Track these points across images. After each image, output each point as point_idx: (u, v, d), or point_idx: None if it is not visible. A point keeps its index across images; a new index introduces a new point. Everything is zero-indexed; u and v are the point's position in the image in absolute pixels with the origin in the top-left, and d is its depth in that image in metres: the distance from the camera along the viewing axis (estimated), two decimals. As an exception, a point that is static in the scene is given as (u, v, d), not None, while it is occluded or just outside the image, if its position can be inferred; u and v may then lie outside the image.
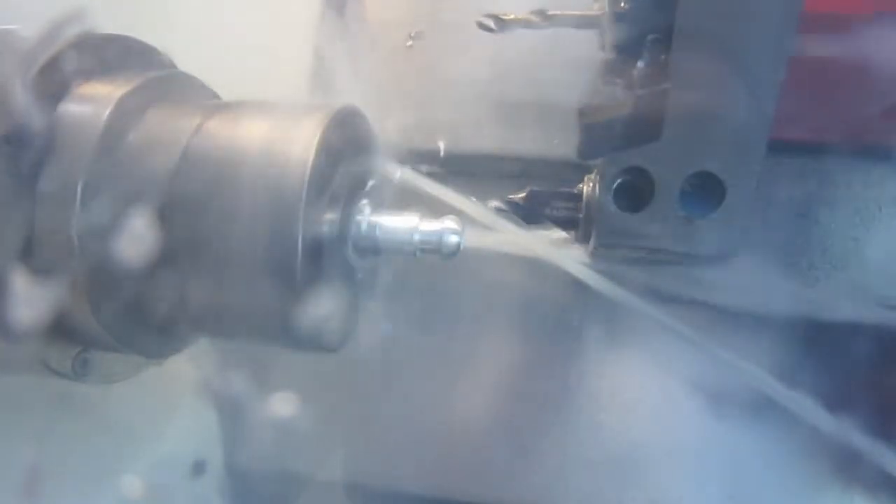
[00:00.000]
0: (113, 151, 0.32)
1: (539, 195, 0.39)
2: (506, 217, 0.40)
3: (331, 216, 0.34)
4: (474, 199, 0.41)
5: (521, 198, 0.40)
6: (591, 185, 0.37)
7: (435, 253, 0.35)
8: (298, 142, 0.32)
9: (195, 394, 0.49)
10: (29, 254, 0.31)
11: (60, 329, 0.33)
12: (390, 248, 0.36)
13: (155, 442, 0.47)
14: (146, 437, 0.46)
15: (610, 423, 0.50)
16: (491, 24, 0.39)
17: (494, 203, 0.40)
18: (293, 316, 0.32)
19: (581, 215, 0.39)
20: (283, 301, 0.32)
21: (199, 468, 0.51)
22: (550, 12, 0.39)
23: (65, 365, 0.35)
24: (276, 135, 0.33)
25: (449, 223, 0.35)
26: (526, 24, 0.40)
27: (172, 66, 0.39)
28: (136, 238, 0.32)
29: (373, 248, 0.37)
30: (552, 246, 0.40)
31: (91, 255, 0.31)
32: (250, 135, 0.33)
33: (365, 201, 0.37)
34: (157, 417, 0.47)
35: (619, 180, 0.33)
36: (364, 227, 0.36)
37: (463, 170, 0.48)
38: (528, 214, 0.39)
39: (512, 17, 0.40)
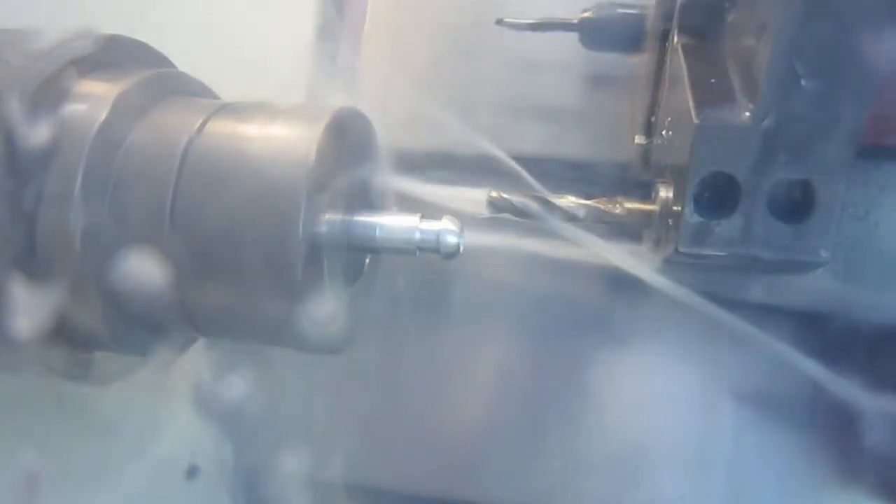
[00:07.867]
0: (112, 151, 0.32)
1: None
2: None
3: (331, 216, 0.34)
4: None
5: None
6: (664, 191, 0.36)
7: (434, 253, 0.35)
8: (299, 142, 0.32)
9: (191, 395, 0.49)
10: (28, 255, 0.31)
11: (60, 330, 0.33)
12: (390, 247, 0.36)
13: (151, 443, 0.47)
14: (143, 439, 0.46)
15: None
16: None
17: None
18: (294, 316, 0.32)
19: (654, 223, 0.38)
20: (284, 301, 0.32)
21: (193, 470, 0.51)
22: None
23: (65, 365, 0.35)
24: (277, 135, 0.33)
25: (448, 223, 0.36)
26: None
27: (171, 65, 0.39)
28: (136, 238, 0.32)
29: (373, 248, 0.37)
30: (627, 255, 0.39)
31: (91, 255, 0.31)
32: (251, 135, 0.33)
33: (365, 201, 0.37)
34: (154, 418, 0.47)
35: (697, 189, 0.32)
36: (364, 226, 0.36)
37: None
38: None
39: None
